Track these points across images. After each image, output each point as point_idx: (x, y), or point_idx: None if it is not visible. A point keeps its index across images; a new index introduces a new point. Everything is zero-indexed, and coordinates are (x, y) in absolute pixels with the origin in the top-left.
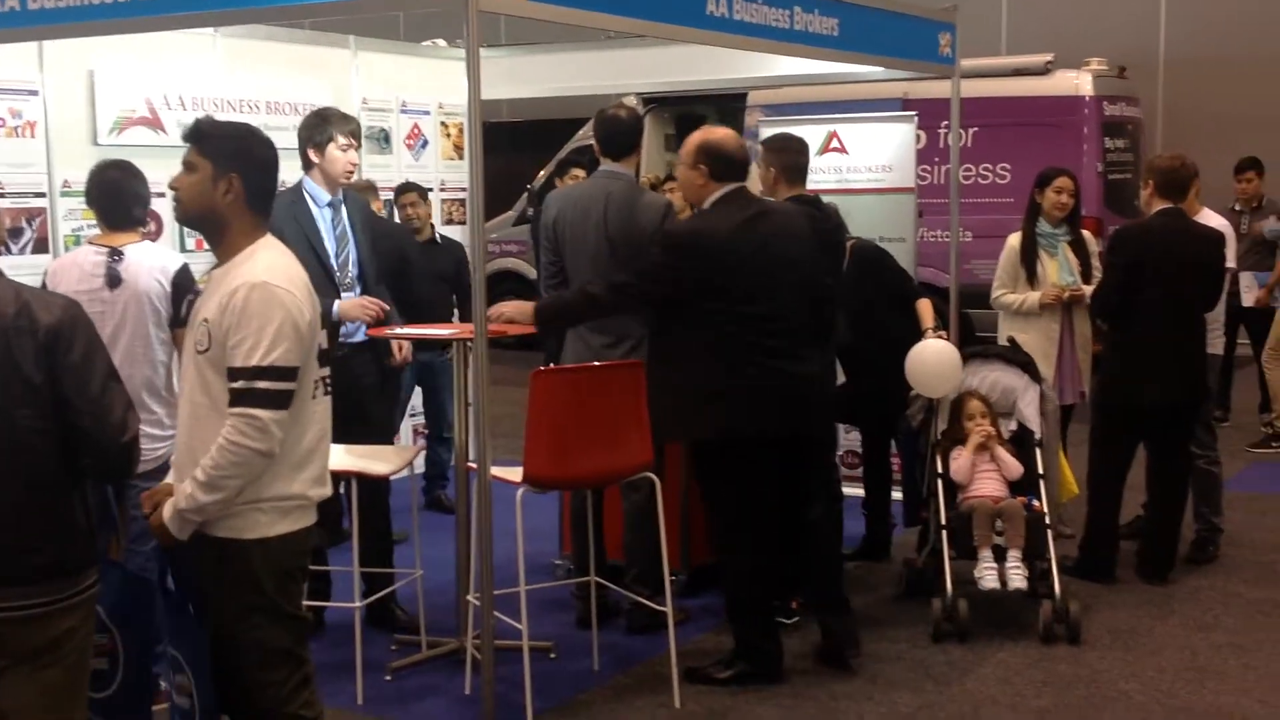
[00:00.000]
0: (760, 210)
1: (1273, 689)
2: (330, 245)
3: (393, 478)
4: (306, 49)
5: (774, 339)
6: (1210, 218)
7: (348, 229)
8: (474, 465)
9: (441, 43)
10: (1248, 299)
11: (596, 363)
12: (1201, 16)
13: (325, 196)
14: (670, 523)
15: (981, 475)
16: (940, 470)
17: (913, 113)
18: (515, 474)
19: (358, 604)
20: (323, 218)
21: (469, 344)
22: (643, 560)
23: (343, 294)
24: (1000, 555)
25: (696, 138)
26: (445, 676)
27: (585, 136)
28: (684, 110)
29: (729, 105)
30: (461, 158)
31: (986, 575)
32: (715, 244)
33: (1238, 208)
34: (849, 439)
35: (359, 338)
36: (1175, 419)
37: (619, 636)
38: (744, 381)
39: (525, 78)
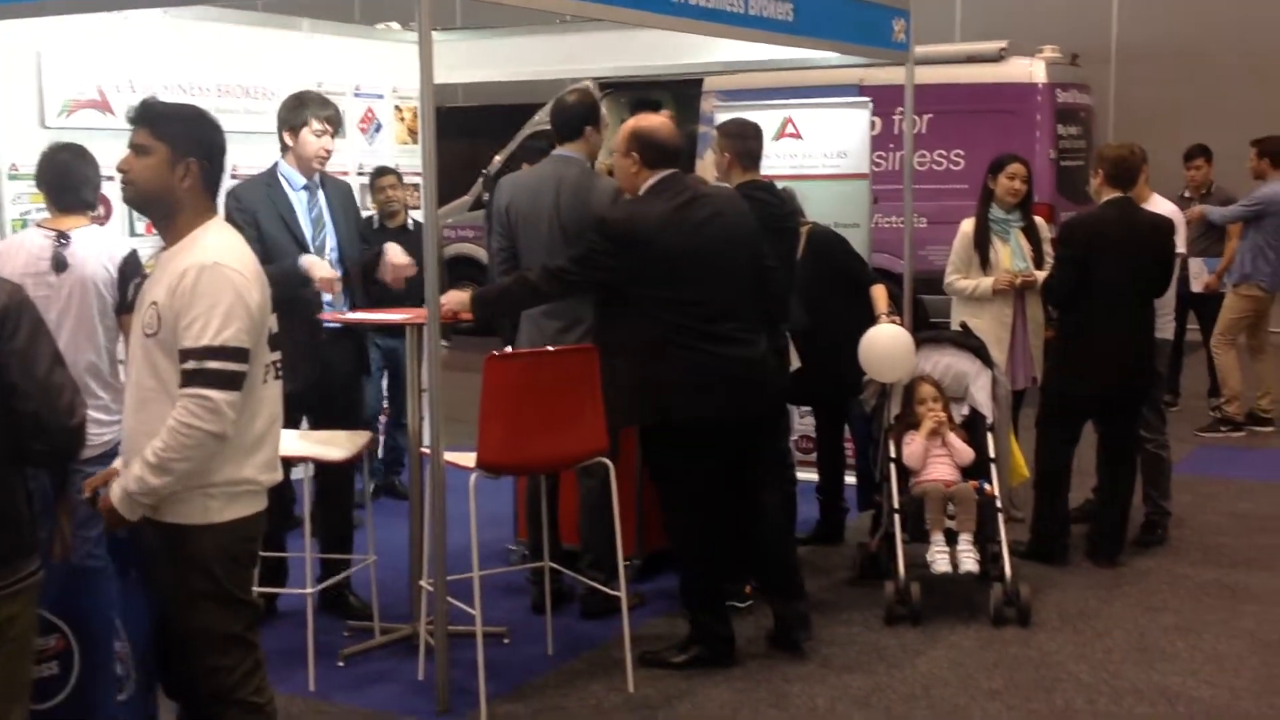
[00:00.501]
0: (695, 195)
1: (1219, 670)
2: (307, 228)
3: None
4: (258, 31)
5: (715, 324)
6: (1160, 204)
7: (324, 212)
8: (427, 450)
9: (395, 26)
10: (1197, 285)
11: (550, 348)
12: (1153, 5)
13: (300, 180)
14: (625, 508)
15: (934, 460)
16: (893, 455)
17: (867, 99)
18: (469, 459)
19: (310, 590)
20: (299, 201)
21: (422, 329)
22: (597, 545)
23: None
24: (952, 539)
25: (628, 126)
26: (398, 662)
27: (541, 121)
28: (640, 96)
29: (685, 91)
30: (416, 142)
31: (938, 559)
32: (646, 229)
33: (1187, 194)
34: (803, 424)
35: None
36: (1124, 405)
37: (573, 621)
38: (688, 367)
39: (480, 62)
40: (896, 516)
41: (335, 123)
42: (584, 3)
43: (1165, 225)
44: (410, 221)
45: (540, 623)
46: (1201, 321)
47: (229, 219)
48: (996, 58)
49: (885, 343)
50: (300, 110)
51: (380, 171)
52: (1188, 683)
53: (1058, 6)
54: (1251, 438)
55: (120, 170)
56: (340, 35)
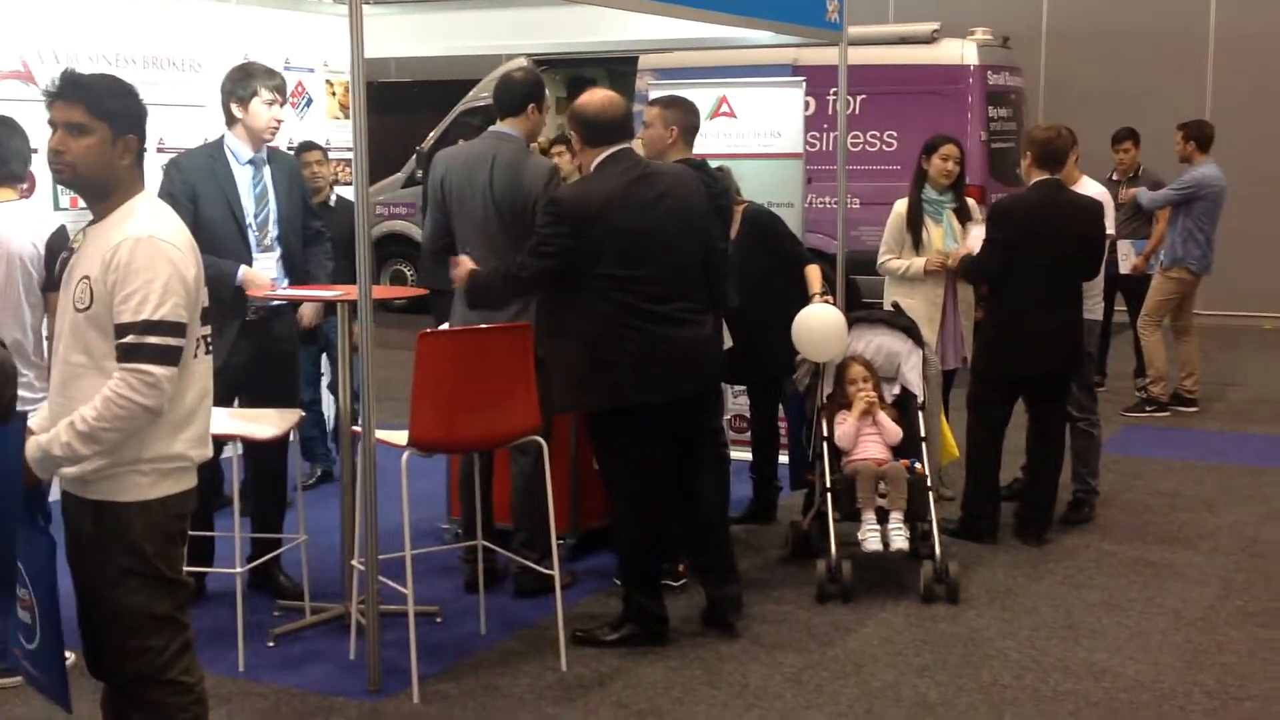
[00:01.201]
0: (645, 172)
1: (1143, 647)
2: (249, 204)
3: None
4: (186, 3)
5: (664, 304)
6: (1089, 186)
7: (269, 187)
8: (359, 429)
9: None
10: (1125, 266)
11: (483, 325)
12: None
13: (247, 153)
14: (558, 486)
15: (865, 439)
16: (825, 434)
17: (801, 79)
18: (401, 438)
19: (239, 569)
20: (243, 175)
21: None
22: (530, 524)
23: (261, 254)
24: (883, 517)
25: (571, 107)
26: (329, 642)
27: (476, 97)
28: (575, 73)
29: (620, 69)
30: (347, 117)
31: (870, 537)
32: (596, 207)
33: (1115, 177)
34: (737, 403)
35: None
36: (1053, 385)
37: (506, 600)
38: (630, 349)
39: (413, 36)
40: (829, 495)
41: (283, 92)
42: None
43: (1093, 207)
44: (334, 198)
45: (473, 602)
46: (1129, 303)
47: (169, 190)
48: (929, 39)
49: (818, 323)
50: (248, 81)
51: (304, 146)
52: (1113, 659)
53: None
54: (1176, 418)
55: (56, 150)
56: (269, 7)
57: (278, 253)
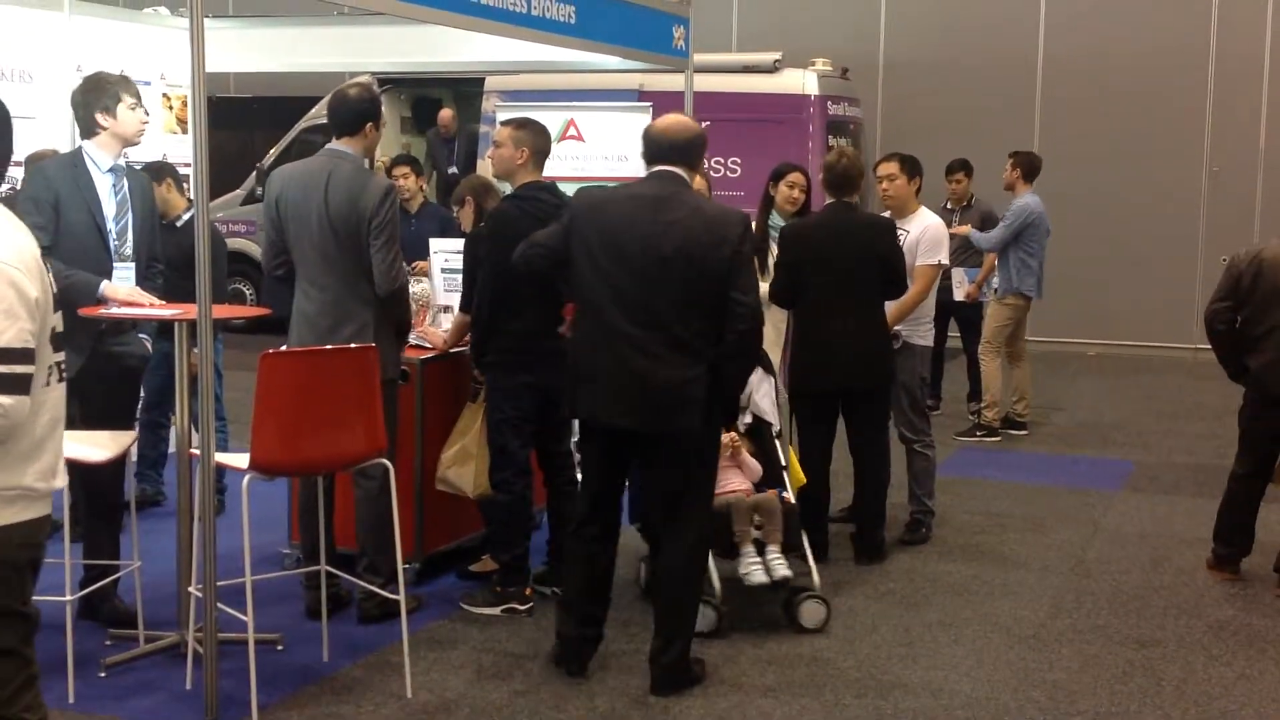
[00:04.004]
0: (659, 194)
1: (978, 664)
2: (110, 211)
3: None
4: (15, 10)
5: (623, 328)
6: (925, 215)
7: (128, 197)
8: (197, 451)
9: (164, 10)
10: (959, 293)
11: (328, 346)
12: (918, 21)
13: (108, 161)
14: (404, 510)
15: (725, 470)
16: None
17: (648, 103)
18: (242, 460)
19: (69, 597)
20: (104, 184)
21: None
22: (375, 548)
23: (120, 264)
24: (760, 549)
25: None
26: (165, 671)
27: (318, 114)
28: (421, 92)
29: (466, 89)
30: (185, 132)
31: (754, 570)
32: (584, 213)
33: (949, 206)
34: None
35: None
36: (860, 400)
37: (350, 626)
38: (577, 366)
39: (254, 51)
40: None
41: (140, 97)
42: None
43: (883, 225)
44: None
45: (316, 628)
46: (962, 328)
47: (32, 194)
48: (771, 69)
49: None
50: (111, 89)
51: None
52: (949, 677)
53: (829, 20)
54: (1007, 440)
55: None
56: (104, 18)
57: (133, 266)
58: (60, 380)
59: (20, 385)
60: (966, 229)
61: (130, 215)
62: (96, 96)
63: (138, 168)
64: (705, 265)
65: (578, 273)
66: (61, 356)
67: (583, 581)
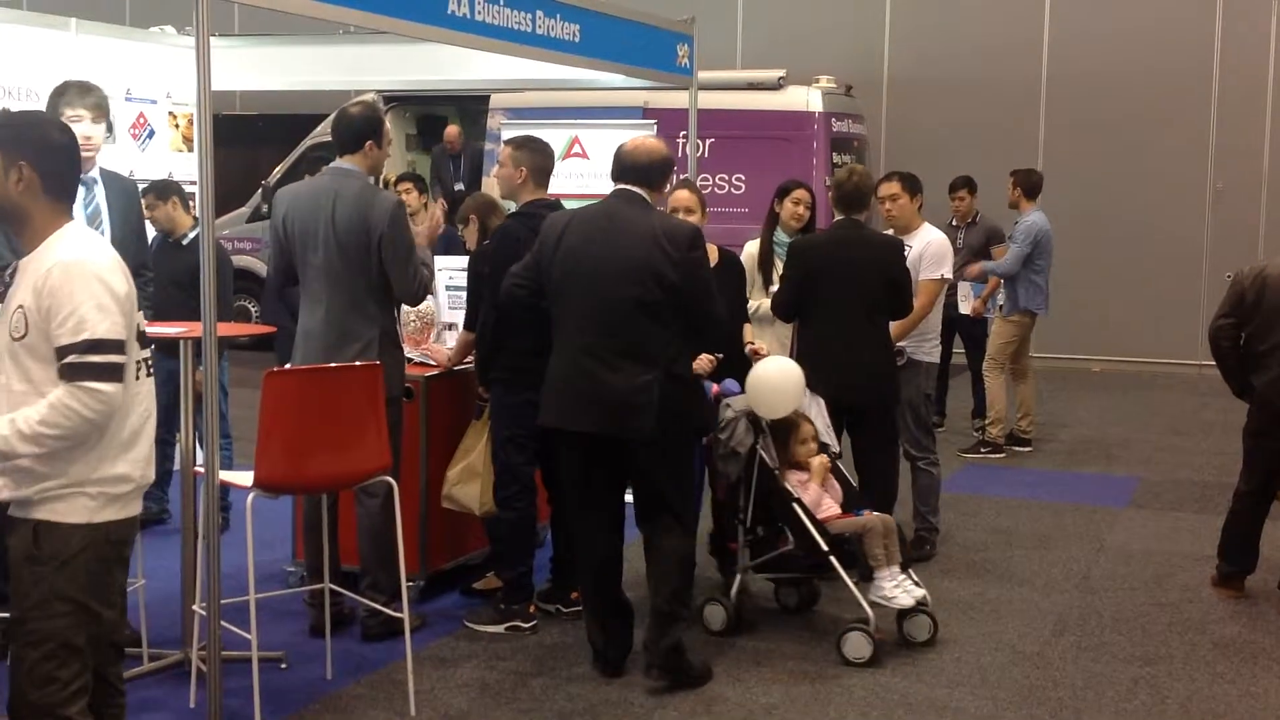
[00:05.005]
0: (609, 210)
1: (982, 682)
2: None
3: None
4: (23, 30)
5: (580, 337)
6: (930, 232)
7: (100, 209)
8: (201, 469)
9: (170, 29)
10: (965, 307)
11: (332, 364)
12: (923, 39)
13: None
14: (408, 527)
15: (819, 494)
16: (794, 498)
17: (652, 121)
18: (246, 478)
19: None
20: None
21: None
22: (378, 566)
23: None
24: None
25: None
26: (169, 690)
27: (324, 133)
28: (426, 110)
29: (471, 107)
30: (191, 150)
31: (899, 594)
32: (557, 230)
33: (954, 223)
34: None
35: None
36: (865, 416)
37: (353, 644)
38: (550, 374)
39: (260, 70)
40: (833, 558)
41: (101, 109)
42: (368, 13)
43: (892, 244)
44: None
45: (319, 646)
46: (967, 344)
47: None
48: (775, 86)
49: (779, 376)
50: (57, 99)
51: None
52: (954, 694)
53: (834, 37)
54: (1011, 457)
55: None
56: (111, 36)
57: None
58: (149, 375)
59: (116, 373)
60: (979, 268)
61: (105, 226)
62: (51, 104)
63: (141, 183)
64: (656, 274)
65: (550, 293)
66: (148, 353)
67: (592, 595)
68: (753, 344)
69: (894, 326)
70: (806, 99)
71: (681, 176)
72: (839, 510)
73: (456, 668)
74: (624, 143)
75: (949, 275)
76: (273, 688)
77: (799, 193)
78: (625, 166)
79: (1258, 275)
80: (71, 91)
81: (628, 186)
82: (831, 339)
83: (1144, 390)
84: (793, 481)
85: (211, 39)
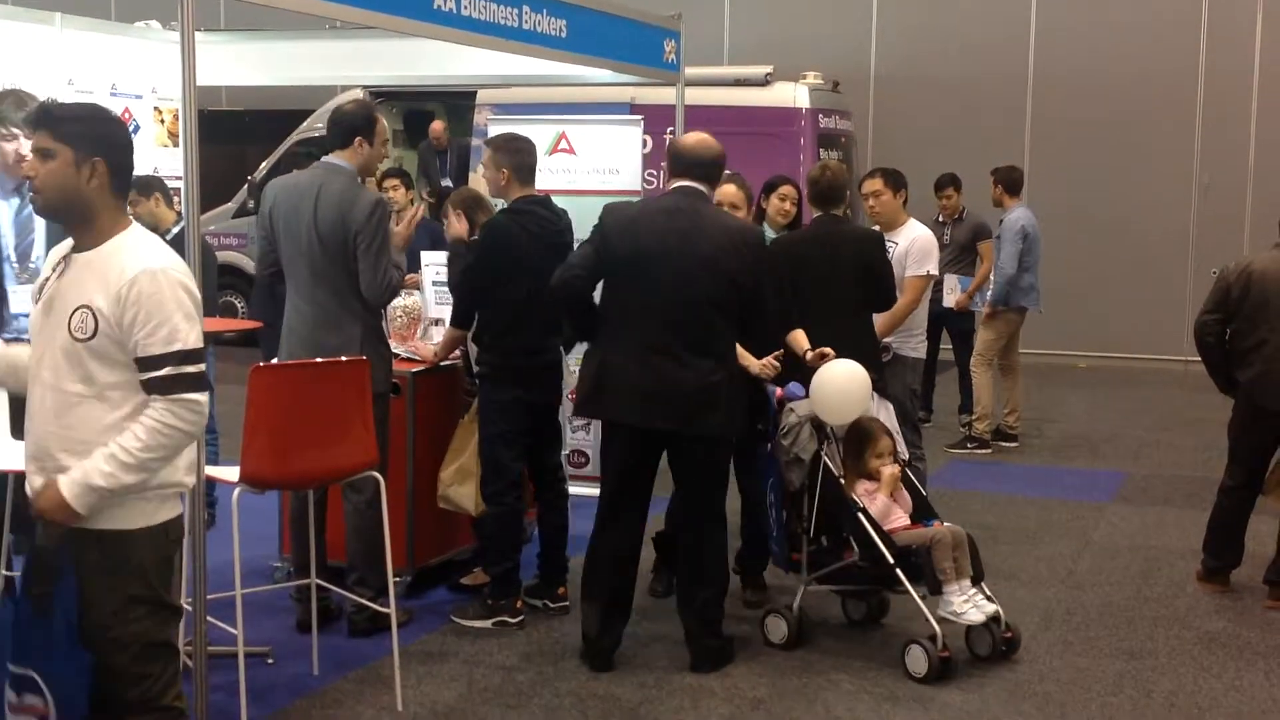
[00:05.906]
0: (677, 207)
1: (968, 677)
2: (9, 236)
3: None
4: (5, 23)
5: (640, 332)
6: (915, 228)
7: (32, 218)
8: None
9: (155, 24)
10: (950, 300)
11: (319, 359)
12: (910, 35)
13: (9, 183)
14: (395, 522)
15: (889, 504)
16: (860, 508)
17: (640, 117)
18: (232, 474)
19: None
20: (6, 205)
21: None
22: (365, 561)
23: (20, 287)
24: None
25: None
26: None
27: (310, 128)
28: (412, 106)
29: (458, 103)
30: (177, 145)
31: (970, 609)
32: (620, 225)
33: (941, 219)
34: (575, 438)
35: None
36: None
37: (340, 640)
38: (593, 367)
39: (245, 65)
40: (900, 570)
41: (34, 124)
42: (354, 8)
43: (871, 238)
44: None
45: (306, 642)
46: (953, 339)
47: None
48: (762, 82)
49: (845, 380)
50: None
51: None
52: (941, 689)
53: (821, 33)
54: (998, 453)
55: (27, 177)
56: (96, 31)
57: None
58: None
59: (207, 382)
60: (988, 310)
61: (39, 237)
62: None
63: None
64: (730, 274)
65: (610, 285)
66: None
67: (604, 584)
68: (818, 349)
69: (880, 322)
70: (794, 95)
71: (728, 171)
72: (908, 521)
73: (444, 663)
74: (680, 138)
75: (934, 272)
76: (259, 683)
77: (785, 188)
78: (688, 163)
79: (1243, 271)
80: (10, 104)
81: (692, 183)
82: (814, 334)
83: (1130, 386)
84: (859, 491)
85: (197, 34)
